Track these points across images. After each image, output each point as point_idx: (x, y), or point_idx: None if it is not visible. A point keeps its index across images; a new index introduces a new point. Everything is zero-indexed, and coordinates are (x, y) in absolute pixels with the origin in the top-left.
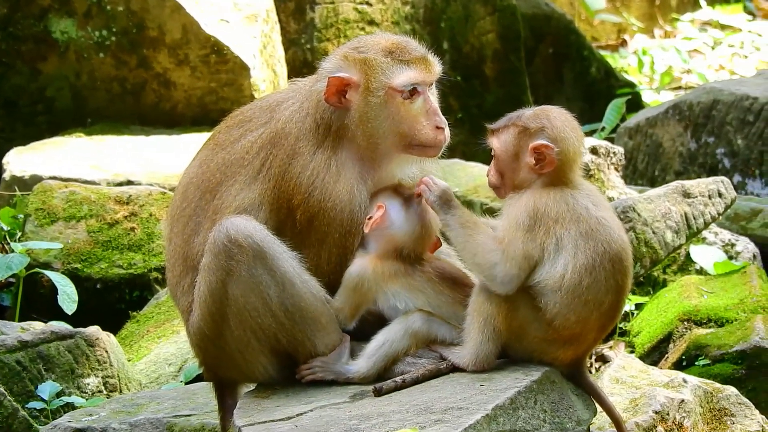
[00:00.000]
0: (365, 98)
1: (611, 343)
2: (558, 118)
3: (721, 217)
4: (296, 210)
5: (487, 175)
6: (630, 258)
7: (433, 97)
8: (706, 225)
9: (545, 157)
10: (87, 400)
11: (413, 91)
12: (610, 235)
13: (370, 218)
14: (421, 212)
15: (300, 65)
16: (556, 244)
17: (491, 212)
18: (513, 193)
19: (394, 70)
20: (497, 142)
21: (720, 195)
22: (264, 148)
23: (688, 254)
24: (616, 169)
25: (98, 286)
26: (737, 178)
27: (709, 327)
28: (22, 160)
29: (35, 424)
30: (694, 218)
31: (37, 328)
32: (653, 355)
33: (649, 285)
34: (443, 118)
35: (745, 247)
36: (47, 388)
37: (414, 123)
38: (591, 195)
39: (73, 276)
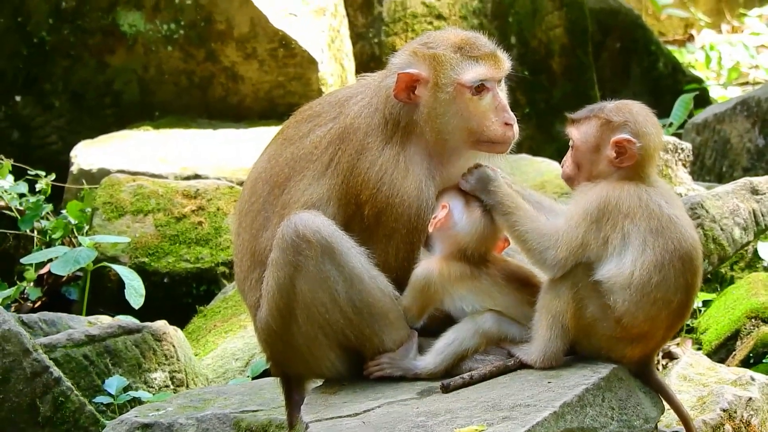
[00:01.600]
0: (434, 94)
1: (678, 340)
2: (640, 113)
3: None
4: (364, 205)
5: (562, 166)
6: (700, 257)
7: (502, 93)
8: None
9: (626, 151)
10: (154, 394)
11: (481, 87)
12: (681, 233)
13: (435, 218)
14: (486, 212)
15: (368, 59)
16: (623, 239)
17: None
18: (585, 184)
19: (462, 65)
20: (577, 133)
21: None
22: (333, 144)
23: (755, 251)
24: (683, 165)
25: (165, 280)
26: None
27: None
28: (90, 154)
29: (102, 419)
30: (762, 215)
31: (104, 322)
32: (720, 353)
33: (716, 282)
34: (512, 114)
35: None
36: (114, 383)
37: (483, 119)
38: (665, 193)
39: (141, 270)
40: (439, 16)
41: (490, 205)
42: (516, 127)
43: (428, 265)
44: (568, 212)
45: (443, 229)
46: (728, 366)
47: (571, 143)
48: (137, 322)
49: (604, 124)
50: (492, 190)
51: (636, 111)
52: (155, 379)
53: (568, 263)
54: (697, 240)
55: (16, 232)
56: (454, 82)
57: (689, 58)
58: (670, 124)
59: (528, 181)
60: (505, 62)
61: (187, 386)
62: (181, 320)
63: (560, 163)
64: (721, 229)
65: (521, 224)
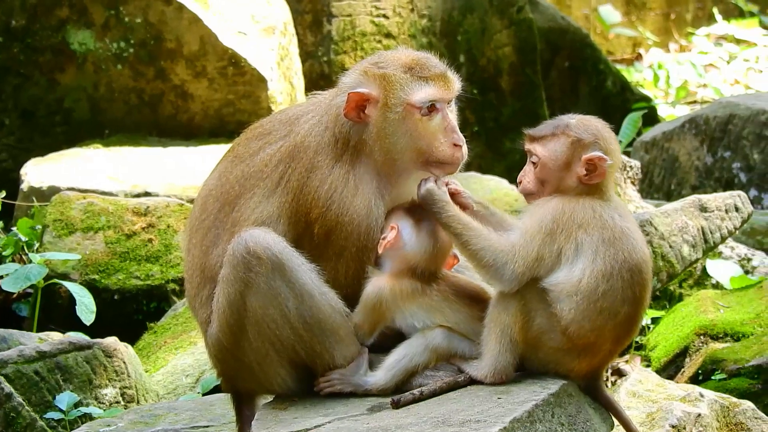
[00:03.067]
0: (384, 114)
1: (627, 357)
2: (605, 130)
3: (737, 232)
4: (314, 223)
5: (520, 181)
6: (650, 272)
7: (452, 114)
8: (723, 239)
9: (597, 168)
10: (104, 410)
11: (431, 108)
12: (632, 245)
13: (384, 239)
14: (435, 232)
15: (317, 77)
16: (575, 249)
17: None
18: (541, 200)
19: (413, 86)
20: (543, 150)
21: (737, 209)
22: (283, 162)
23: (704, 268)
24: (632, 182)
25: (116, 297)
26: (753, 192)
27: (726, 341)
28: (40, 171)
29: None
30: (711, 232)
31: (55, 338)
32: (669, 369)
33: (665, 299)
34: (461, 135)
35: (762, 261)
36: (65, 399)
37: (432, 140)
38: (618, 206)
39: (91, 287)
40: (388, 35)
41: (440, 223)
42: (465, 149)
43: (379, 283)
44: (522, 226)
45: (393, 249)
46: (677, 383)
47: (533, 159)
48: (88, 338)
49: (575, 142)
50: (437, 210)
51: (601, 128)
52: (106, 395)
53: (524, 277)
54: (647, 254)
55: None
56: (403, 102)
57: (637, 77)
58: (619, 142)
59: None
60: (455, 83)
61: (138, 402)
62: (131, 337)
63: (516, 179)
64: (670, 247)
65: (473, 243)
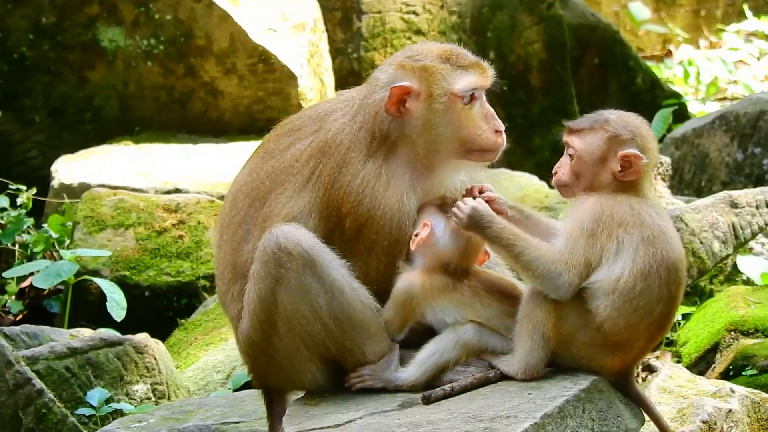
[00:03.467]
0: (428, 105)
1: (658, 352)
2: (643, 127)
3: None
4: (345, 218)
5: (555, 172)
6: (684, 271)
7: (486, 102)
8: (754, 235)
9: (632, 165)
10: (135, 406)
11: (472, 97)
12: (669, 244)
13: (416, 235)
14: None
15: (347, 74)
16: (617, 248)
17: None
18: (579, 196)
19: (454, 75)
20: (581, 143)
21: (767, 205)
22: (314, 157)
23: (735, 264)
24: (662, 179)
25: (146, 293)
26: None
27: (756, 337)
28: (70, 168)
29: (84, 431)
30: (742, 228)
31: (86, 335)
32: (700, 365)
33: (696, 295)
34: (500, 121)
35: None
36: (96, 395)
37: (474, 128)
38: (655, 204)
39: (122, 283)
40: (418, 32)
41: (488, 240)
42: (504, 135)
43: (410, 278)
44: (565, 231)
45: (425, 246)
46: (708, 378)
47: (570, 152)
48: (119, 334)
49: (612, 137)
50: (485, 225)
51: (639, 125)
52: (137, 391)
53: (578, 284)
54: (683, 253)
55: None
56: (447, 92)
57: (667, 73)
58: None
59: (508, 195)
60: (490, 71)
61: (169, 398)
62: (162, 333)
63: (545, 175)
64: (701, 243)
65: (525, 254)
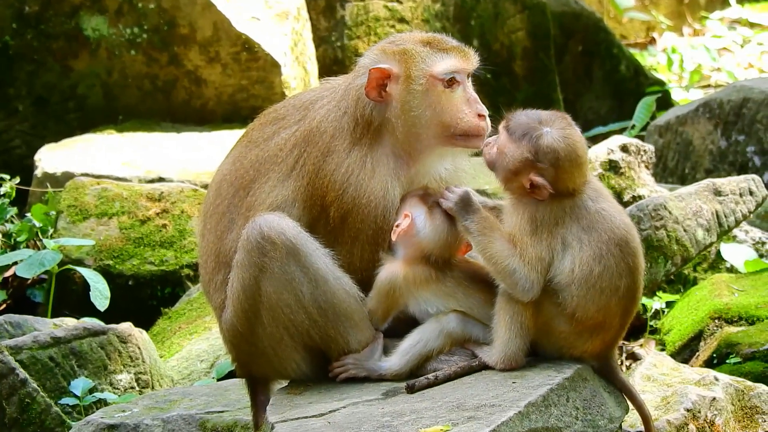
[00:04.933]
0: (406, 88)
1: (642, 341)
2: (570, 154)
3: (751, 215)
4: (329, 207)
5: (486, 144)
6: (637, 239)
7: (471, 87)
8: (737, 223)
9: (540, 189)
10: (119, 396)
11: (452, 81)
12: (612, 222)
13: (398, 226)
14: (448, 220)
15: (330, 63)
16: (561, 243)
17: None
18: (507, 196)
19: (433, 58)
20: (504, 145)
21: (751, 193)
22: (298, 146)
23: (718, 252)
24: (646, 167)
25: (130, 282)
26: (767, 176)
27: (740, 325)
28: (54, 157)
29: (68, 420)
30: (725, 216)
31: (69, 324)
32: (684, 353)
33: (679, 283)
34: (484, 106)
35: None
36: (80, 384)
37: (456, 112)
38: (592, 190)
39: (105, 272)
40: (402, 20)
41: (465, 229)
42: (488, 120)
43: (392, 269)
44: (510, 233)
45: (406, 237)
46: (692, 366)
47: (497, 139)
48: (102, 324)
49: (528, 160)
50: (472, 210)
51: (565, 153)
52: (120, 380)
53: (539, 281)
54: (628, 224)
55: None
56: (426, 74)
57: (651, 61)
58: (633, 126)
59: (491, 184)
60: (473, 55)
61: (153, 388)
62: (145, 322)
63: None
64: (684, 231)
65: (489, 248)
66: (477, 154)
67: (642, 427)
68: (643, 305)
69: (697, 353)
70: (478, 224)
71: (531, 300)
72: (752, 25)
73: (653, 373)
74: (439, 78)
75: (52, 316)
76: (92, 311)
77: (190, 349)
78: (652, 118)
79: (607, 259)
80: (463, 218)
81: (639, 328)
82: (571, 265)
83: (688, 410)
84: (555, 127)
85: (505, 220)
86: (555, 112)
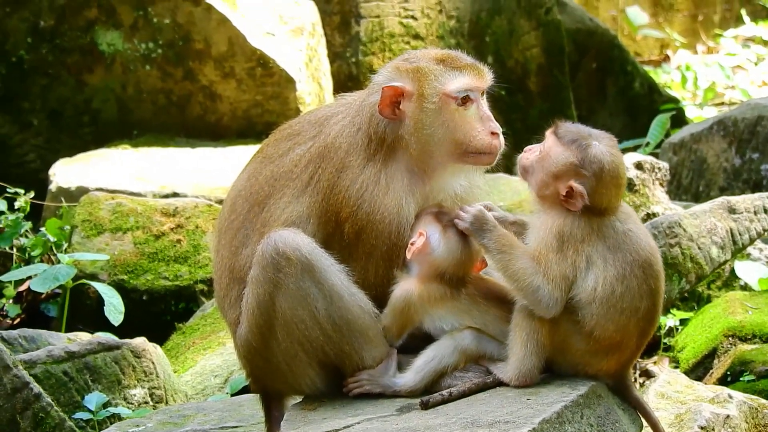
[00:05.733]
0: (419, 106)
1: (655, 358)
2: (613, 171)
3: (766, 233)
4: (344, 223)
5: (525, 150)
6: (660, 262)
7: (485, 104)
8: (752, 241)
9: (574, 198)
10: (133, 411)
11: (466, 99)
12: (638, 244)
13: (413, 244)
14: (463, 238)
15: (345, 78)
16: (586, 262)
17: None
18: (536, 209)
19: (447, 76)
20: (551, 149)
21: (765, 211)
22: (313, 162)
23: (732, 270)
24: (660, 184)
25: (144, 297)
26: None
27: (754, 343)
28: (68, 172)
29: None
30: (740, 234)
31: (83, 339)
32: (698, 371)
33: (693, 300)
34: (497, 124)
35: None
36: (94, 399)
37: (469, 129)
38: (618, 213)
39: (120, 287)
40: (417, 36)
41: (483, 247)
42: (502, 137)
43: (407, 287)
44: (534, 249)
45: (421, 255)
46: (706, 384)
47: (542, 146)
48: (116, 339)
49: (574, 165)
50: (489, 229)
51: (610, 168)
52: (134, 395)
53: (562, 299)
54: (654, 247)
55: None
56: (439, 92)
57: (665, 78)
58: (647, 144)
59: (505, 200)
60: (487, 73)
61: (167, 403)
62: (160, 337)
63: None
64: (699, 248)
65: (511, 265)
66: (491, 171)
67: None
68: None
69: (711, 371)
70: (496, 242)
71: (552, 317)
72: (766, 43)
73: (667, 391)
74: (452, 96)
75: (66, 331)
76: (106, 326)
77: (204, 364)
78: (667, 135)
79: (629, 280)
80: (481, 237)
81: (653, 346)
82: (594, 283)
83: (702, 428)
84: (603, 143)
85: (530, 233)
86: (604, 132)
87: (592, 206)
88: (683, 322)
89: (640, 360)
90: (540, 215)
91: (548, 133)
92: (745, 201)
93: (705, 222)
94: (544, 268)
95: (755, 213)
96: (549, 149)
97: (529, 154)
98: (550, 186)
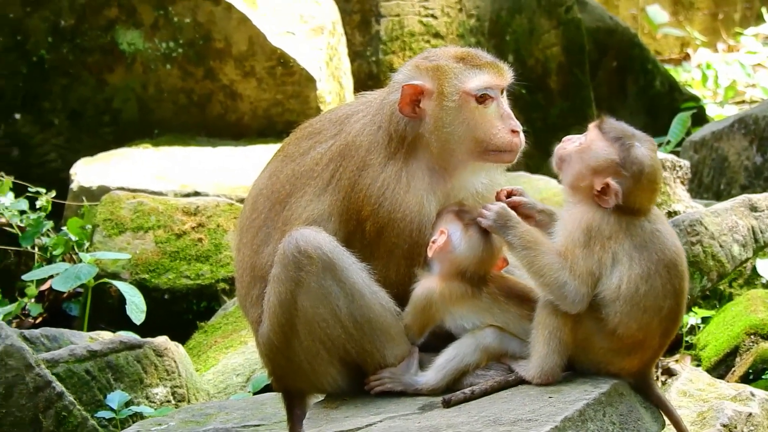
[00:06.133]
0: (439, 104)
1: (677, 356)
2: (651, 175)
3: None
4: (365, 221)
5: (564, 140)
6: (684, 263)
7: (505, 102)
8: None
9: (608, 195)
10: (155, 409)
11: (486, 96)
12: (664, 244)
13: (434, 242)
14: (484, 236)
15: (365, 77)
16: (612, 259)
17: None
18: (566, 202)
19: (466, 74)
20: (593, 142)
21: None
22: (334, 160)
23: (754, 268)
24: (682, 182)
25: (166, 296)
26: None
27: None
28: (89, 171)
29: None
30: (761, 232)
31: (105, 338)
32: (720, 369)
33: (715, 299)
34: (517, 122)
35: None
36: (116, 398)
37: (489, 127)
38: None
39: (141, 286)
40: (437, 35)
41: (507, 243)
42: (522, 135)
43: (428, 285)
44: (561, 244)
45: (442, 253)
46: (728, 382)
47: (583, 138)
48: (138, 337)
49: (615, 164)
50: (512, 225)
51: (649, 172)
52: (157, 394)
53: (588, 295)
54: (679, 247)
55: (17, 248)
56: (458, 90)
57: (685, 76)
58: (668, 142)
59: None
60: (507, 71)
61: (189, 401)
62: (181, 336)
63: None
64: (720, 246)
65: (537, 261)
66: (512, 169)
67: None
68: None
69: (733, 369)
70: (520, 238)
71: (577, 312)
72: None
73: (689, 389)
74: (471, 94)
75: (88, 330)
76: (128, 325)
77: (226, 362)
78: (687, 133)
79: (654, 279)
80: (505, 234)
81: (675, 344)
82: (619, 281)
83: (724, 426)
84: (645, 146)
85: (557, 226)
86: (646, 134)
87: (624, 206)
88: (705, 320)
89: (662, 358)
90: (569, 208)
91: (592, 126)
92: (766, 199)
93: (726, 220)
94: (570, 263)
95: None
96: (591, 142)
97: (568, 144)
98: (586, 179)
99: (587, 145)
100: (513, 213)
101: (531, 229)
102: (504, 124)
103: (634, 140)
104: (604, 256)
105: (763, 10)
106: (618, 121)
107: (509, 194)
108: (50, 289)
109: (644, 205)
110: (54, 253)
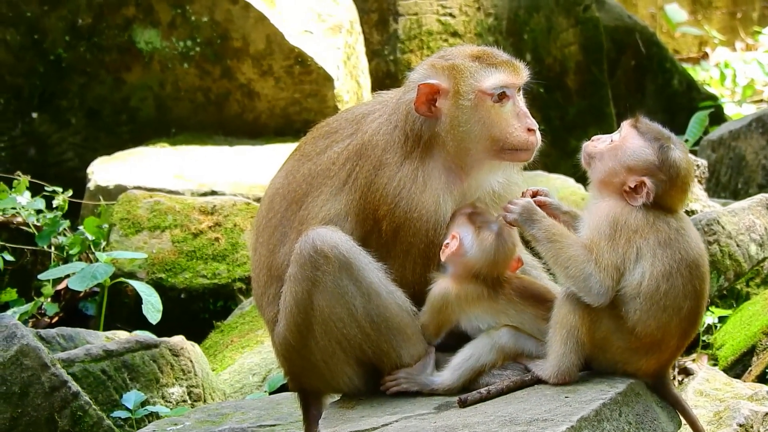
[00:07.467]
0: (455, 103)
1: (694, 355)
2: (685, 178)
3: None
4: (382, 221)
5: (593, 139)
6: (707, 265)
7: (521, 101)
8: None
9: (639, 194)
10: (171, 409)
11: (502, 95)
12: (687, 243)
13: (446, 246)
14: (496, 239)
15: (383, 76)
16: (636, 254)
17: None
18: (592, 197)
19: (482, 73)
20: (630, 140)
21: None
22: (350, 160)
23: None
24: (699, 181)
25: (182, 296)
26: None
27: None
28: (107, 170)
29: None
30: None
31: (121, 337)
32: (736, 368)
33: (732, 298)
34: (534, 120)
35: None
36: (132, 398)
37: (505, 126)
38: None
39: (158, 286)
40: (455, 34)
41: (533, 237)
42: (538, 134)
43: (445, 285)
44: (587, 237)
45: (455, 257)
46: (744, 381)
47: (617, 136)
48: (155, 337)
49: (652, 165)
50: (538, 219)
51: (683, 176)
52: (173, 393)
53: (613, 288)
54: (702, 249)
55: (34, 248)
56: (474, 89)
57: (703, 75)
58: (686, 141)
59: None
60: (523, 69)
61: (205, 401)
62: (198, 336)
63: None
64: (737, 245)
65: (563, 254)
66: (529, 168)
67: None
68: None
69: (750, 368)
70: (546, 231)
71: (597, 309)
72: None
73: (706, 388)
74: (488, 93)
75: (104, 329)
76: (144, 324)
77: (242, 362)
78: (705, 132)
79: (675, 279)
80: (530, 227)
81: (691, 343)
82: (641, 277)
83: (740, 425)
84: (679, 149)
85: (584, 220)
86: (676, 136)
87: (657, 204)
88: (722, 319)
89: (678, 357)
90: (596, 203)
91: (626, 124)
92: None
93: (743, 219)
94: (596, 256)
95: None
96: (626, 141)
97: (598, 143)
98: (619, 176)
99: (621, 143)
100: (538, 208)
101: (556, 223)
102: (520, 123)
103: (671, 143)
104: (629, 251)
105: None
106: (652, 121)
107: (534, 194)
108: (66, 288)
109: (675, 206)
110: (70, 252)
